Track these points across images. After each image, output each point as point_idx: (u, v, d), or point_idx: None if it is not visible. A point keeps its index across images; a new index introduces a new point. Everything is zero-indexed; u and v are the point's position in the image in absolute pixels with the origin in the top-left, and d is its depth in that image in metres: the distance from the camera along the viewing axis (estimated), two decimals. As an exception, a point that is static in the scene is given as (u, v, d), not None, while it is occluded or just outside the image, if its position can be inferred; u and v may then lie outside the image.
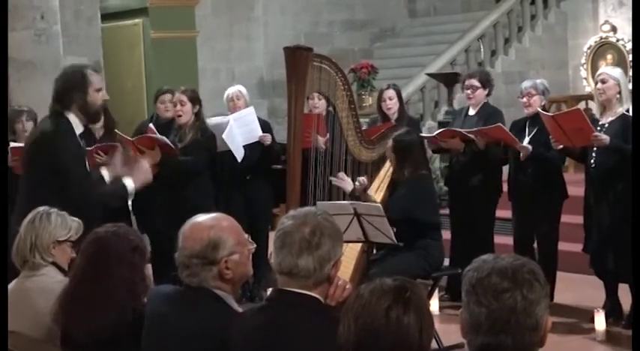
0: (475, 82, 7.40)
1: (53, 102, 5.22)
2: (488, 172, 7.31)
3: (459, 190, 7.50)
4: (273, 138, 7.74)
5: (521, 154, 6.95)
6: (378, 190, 6.70)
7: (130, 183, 5.18)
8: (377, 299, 2.31)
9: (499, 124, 7.00)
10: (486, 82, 7.48)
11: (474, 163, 7.28)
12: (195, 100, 7.39)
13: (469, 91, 7.42)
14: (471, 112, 7.47)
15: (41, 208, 3.94)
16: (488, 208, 7.41)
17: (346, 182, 6.68)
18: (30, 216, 3.94)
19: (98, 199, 5.17)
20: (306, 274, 2.81)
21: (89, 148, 6.79)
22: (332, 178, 6.74)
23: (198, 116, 7.41)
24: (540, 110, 6.87)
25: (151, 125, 7.44)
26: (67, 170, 5.07)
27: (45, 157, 5.10)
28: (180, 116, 7.34)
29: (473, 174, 7.31)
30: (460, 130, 7.22)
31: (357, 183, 6.71)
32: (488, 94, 7.55)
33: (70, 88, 5.17)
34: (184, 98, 7.34)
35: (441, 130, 7.53)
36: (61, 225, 3.90)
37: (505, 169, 7.41)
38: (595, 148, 6.53)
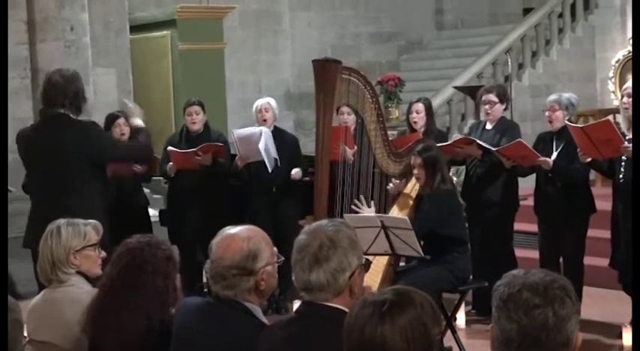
0: (493, 98, 7.36)
1: (64, 105, 5.46)
2: (504, 185, 7.28)
3: (475, 203, 7.43)
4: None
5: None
6: (404, 205, 6.69)
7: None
8: (359, 313, 2.34)
9: (519, 139, 6.92)
10: (503, 97, 7.46)
11: (491, 176, 7.26)
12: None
13: (487, 107, 7.38)
14: (488, 126, 7.42)
15: (52, 225, 3.87)
16: (506, 221, 7.36)
17: (364, 209, 6.52)
18: (44, 235, 3.86)
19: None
20: (320, 287, 2.83)
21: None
22: (353, 205, 6.61)
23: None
24: (567, 122, 6.82)
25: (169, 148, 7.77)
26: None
27: (91, 149, 5.49)
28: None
29: (489, 187, 7.28)
30: (476, 140, 7.17)
31: (390, 185, 6.78)
32: (505, 109, 7.55)
33: (81, 94, 5.41)
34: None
35: (457, 138, 7.51)
36: (73, 235, 3.82)
37: (529, 182, 7.36)
38: (623, 162, 6.49)
